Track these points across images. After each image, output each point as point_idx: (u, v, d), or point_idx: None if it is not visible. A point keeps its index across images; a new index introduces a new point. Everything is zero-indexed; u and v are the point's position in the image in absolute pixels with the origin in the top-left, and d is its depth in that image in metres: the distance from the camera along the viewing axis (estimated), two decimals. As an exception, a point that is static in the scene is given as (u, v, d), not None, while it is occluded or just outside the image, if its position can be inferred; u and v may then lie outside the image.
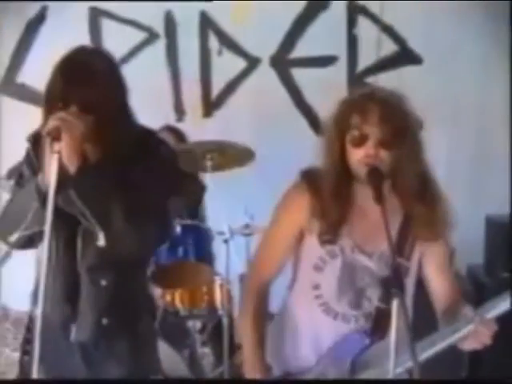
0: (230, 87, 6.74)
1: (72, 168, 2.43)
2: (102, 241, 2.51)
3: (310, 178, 2.72)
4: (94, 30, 6.83)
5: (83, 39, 6.68)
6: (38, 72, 6.56)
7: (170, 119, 6.30)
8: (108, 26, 6.84)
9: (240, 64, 6.73)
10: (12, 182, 5.24)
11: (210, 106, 6.77)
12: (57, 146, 2.39)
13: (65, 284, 2.62)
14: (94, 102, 2.48)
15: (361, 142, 2.60)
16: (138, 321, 2.70)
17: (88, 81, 2.50)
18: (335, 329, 2.71)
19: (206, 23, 6.74)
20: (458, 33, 6.34)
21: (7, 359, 5.87)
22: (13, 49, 6.87)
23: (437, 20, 6.37)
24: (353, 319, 2.71)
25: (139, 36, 6.79)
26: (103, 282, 2.59)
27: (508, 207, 5.14)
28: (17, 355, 5.90)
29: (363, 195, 2.66)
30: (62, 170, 2.40)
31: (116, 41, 6.69)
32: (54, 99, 2.50)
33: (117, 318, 2.63)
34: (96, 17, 6.84)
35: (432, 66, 6.44)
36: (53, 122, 2.41)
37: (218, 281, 4.65)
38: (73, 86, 2.48)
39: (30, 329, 2.80)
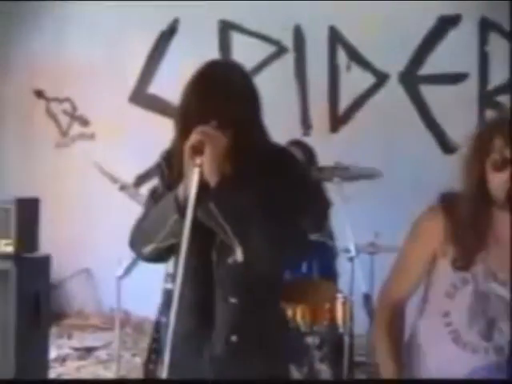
0: (358, 103, 6.70)
1: (213, 181, 2.43)
2: (239, 256, 2.49)
3: (446, 201, 2.65)
4: (224, 42, 6.92)
5: (212, 51, 6.80)
6: (168, 83, 6.86)
7: (297, 133, 6.31)
8: (237, 39, 6.92)
9: (368, 80, 6.69)
10: (138, 190, 5.38)
11: (337, 121, 6.75)
12: (198, 160, 2.39)
13: (197, 298, 2.61)
14: (232, 116, 2.47)
15: (502, 165, 2.52)
16: (268, 339, 2.67)
17: (226, 95, 2.50)
18: (463, 359, 2.63)
19: (335, 38, 6.74)
20: None
21: (127, 363, 5.97)
22: (144, 60, 7.02)
23: None
24: (482, 351, 2.62)
25: (268, 49, 6.83)
26: (232, 300, 2.59)
27: None
28: (136, 360, 6.06)
29: (501, 221, 2.57)
30: (202, 184, 2.40)
31: (245, 54, 6.75)
32: (191, 114, 2.50)
33: (246, 336, 2.61)
34: (226, 29, 6.92)
35: None
36: (196, 136, 2.41)
37: (340, 298, 4.61)
38: (211, 100, 2.48)
39: (155, 339, 2.81)
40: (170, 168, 2.62)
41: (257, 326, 2.61)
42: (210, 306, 2.59)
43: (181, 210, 2.44)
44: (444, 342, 2.65)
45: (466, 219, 2.58)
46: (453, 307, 2.64)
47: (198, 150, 2.40)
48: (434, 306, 2.72)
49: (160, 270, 4.50)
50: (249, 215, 2.45)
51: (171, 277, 4.55)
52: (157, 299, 4.76)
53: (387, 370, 2.68)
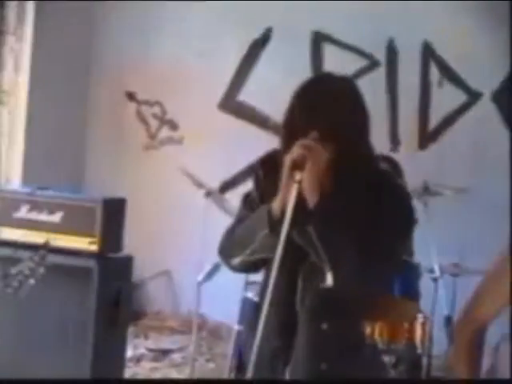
0: (448, 121, 6.60)
1: (311, 199, 2.35)
2: (329, 281, 2.40)
3: None
4: (316, 53, 6.90)
5: (304, 62, 6.80)
6: (258, 91, 6.88)
7: (385, 148, 6.24)
8: (329, 50, 6.89)
9: (460, 97, 6.58)
10: (223, 196, 5.41)
11: (426, 138, 6.66)
12: (298, 176, 2.32)
13: (280, 319, 2.53)
14: (337, 130, 2.40)
15: None
16: (358, 365, 2.60)
17: (333, 107, 2.43)
18: None
19: (429, 54, 6.65)
20: None
21: (201, 368, 5.98)
22: (236, 67, 7.06)
23: None
24: None
25: (360, 62, 6.79)
26: (324, 326, 2.49)
27: None
28: (210, 365, 6.07)
29: None
30: (299, 200, 2.32)
31: (336, 66, 6.72)
32: (295, 125, 2.45)
33: (337, 363, 2.52)
34: (319, 40, 6.91)
35: None
36: (299, 150, 2.33)
37: (420, 319, 4.53)
38: (317, 112, 2.42)
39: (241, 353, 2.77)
40: (266, 177, 2.57)
41: (346, 353, 2.54)
42: (292, 330, 2.52)
43: (273, 225, 2.38)
44: None
45: None
46: None
47: (298, 165, 2.32)
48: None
49: (240, 276, 4.49)
50: (344, 238, 2.36)
51: (251, 285, 4.56)
52: (234, 306, 4.76)
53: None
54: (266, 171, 2.57)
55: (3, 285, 2.68)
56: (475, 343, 2.68)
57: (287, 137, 2.47)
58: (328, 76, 2.65)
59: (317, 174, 2.33)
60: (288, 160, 2.34)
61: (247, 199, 2.63)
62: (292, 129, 2.45)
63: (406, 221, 2.53)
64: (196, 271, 4.95)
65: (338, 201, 2.38)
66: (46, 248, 2.80)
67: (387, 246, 2.42)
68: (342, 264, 2.36)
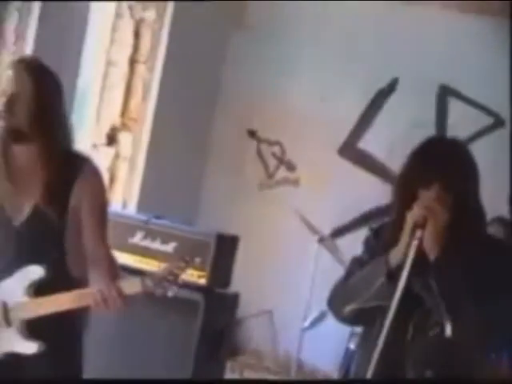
0: None
1: (432, 255, 2.46)
2: (448, 331, 2.47)
3: None
4: (441, 107, 6.85)
5: (429, 115, 6.76)
6: (379, 140, 6.85)
7: (503, 210, 6.11)
8: (455, 105, 6.84)
9: None
10: (336, 244, 5.38)
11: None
12: (419, 233, 2.45)
13: (386, 368, 2.56)
14: (454, 187, 2.52)
15: None
16: None
17: (450, 165, 2.56)
18: None
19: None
20: None
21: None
22: (359, 114, 7.06)
23: None
24: None
25: (485, 120, 6.70)
26: (428, 373, 2.52)
27: None
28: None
29: None
30: (419, 255, 2.45)
31: (461, 121, 6.67)
32: (413, 181, 2.57)
33: None
34: (445, 94, 6.85)
35: None
36: (420, 211, 2.47)
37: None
38: (435, 168, 2.55)
39: None
40: (377, 240, 2.69)
41: None
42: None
43: (390, 274, 2.48)
44: None
45: None
46: None
47: (420, 225, 2.45)
48: None
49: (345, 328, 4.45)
50: (462, 291, 2.44)
51: (355, 336, 4.52)
52: (332, 353, 4.70)
53: None
54: (378, 234, 2.72)
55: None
56: None
57: (405, 191, 2.60)
58: (445, 138, 2.89)
59: (437, 232, 2.46)
60: (410, 220, 2.48)
61: (356, 261, 2.73)
62: (410, 183, 2.58)
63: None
64: (299, 315, 4.94)
65: (456, 256, 2.47)
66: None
67: (503, 303, 2.48)
68: (461, 315, 2.45)
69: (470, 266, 2.45)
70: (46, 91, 2.88)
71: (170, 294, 2.79)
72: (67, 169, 2.90)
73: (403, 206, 2.55)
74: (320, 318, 4.62)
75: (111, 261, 3.01)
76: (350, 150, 7.07)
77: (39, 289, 2.85)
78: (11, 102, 2.83)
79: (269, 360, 7.08)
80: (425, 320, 2.52)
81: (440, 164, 2.55)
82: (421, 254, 2.46)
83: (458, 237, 2.50)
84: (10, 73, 2.90)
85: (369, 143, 7.01)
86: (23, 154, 2.90)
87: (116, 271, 2.98)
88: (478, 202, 2.62)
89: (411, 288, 2.48)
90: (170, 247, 4.57)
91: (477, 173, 2.63)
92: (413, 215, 2.47)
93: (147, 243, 4.63)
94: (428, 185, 2.51)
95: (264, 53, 7.23)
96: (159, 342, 4.57)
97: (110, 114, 6.58)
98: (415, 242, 2.44)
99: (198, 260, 2.99)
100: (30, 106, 2.82)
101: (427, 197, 2.50)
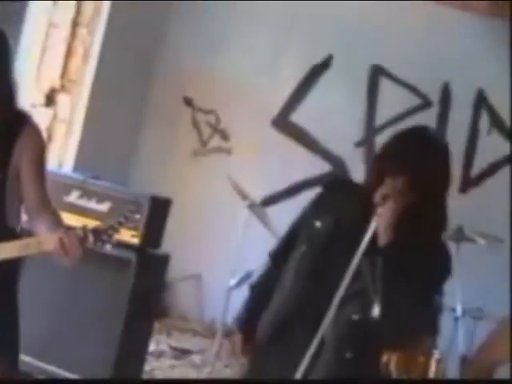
0: (491, 169, 6.69)
1: (383, 239, 2.58)
2: (376, 312, 2.56)
3: None
4: (373, 86, 7.04)
5: (360, 93, 6.94)
6: (311, 115, 7.01)
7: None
8: (385, 84, 7.03)
9: (505, 148, 6.67)
10: (266, 211, 5.50)
11: (468, 183, 6.77)
12: (380, 210, 2.56)
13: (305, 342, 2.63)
14: (425, 179, 2.60)
15: None
16: None
17: (427, 158, 2.63)
18: None
19: (481, 101, 6.75)
20: None
21: (218, 372, 5.98)
22: (292, 88, 7.21)
23: None
24: None
25: (414, 101, 6.92)
26: (348, 355, 2.65)
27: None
28: (227, 371, 6.12)
29: None
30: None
31: (390, 101, 6.87)
32: (385, 166, 2.66)
33: None
34: (376, 74, 7.04)
35: None
36: (383, 191, 2.58)
37: (436, 355, 4.61)
38: (410, 159, 2.61)
39: None
40: (328, 199, 2.78)
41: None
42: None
43: (313, 240, 2.69)
44: None
45: None
46: None
47: (381, 202, 2.58)
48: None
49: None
50: (398, 281, 2.56)
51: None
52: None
53: None
54: (330, 194, 2.81)
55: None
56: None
57: (377, 174, 2.68)
58: (429, 130, 2.85)
59: (395, 214, 2.58)
60: (377, 197, 2.60)
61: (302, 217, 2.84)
62: (383, 166, 2.67)
63: (446, 278, 2.76)
64: (227, 279, 5.04)
65: (403, 247, 2.58)
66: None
67: (428, 296, 2.71)
68: (393, 300, 2.57)
69: (414, 264, 2.55)
70: None
71: (107, 248, 2.83)
72: (9, 125, 2.97)
73: (371, 186, 2.65)
74: (246, 278, 4.74)
75: (56, 210, 3.05)
76: (283, 123, 7.22)
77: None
78: None
79: (195, 323, 7.19)
80: (353, 301, 2.62)
81: (413, 160, 2.60)
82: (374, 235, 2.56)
83: (413, 234, 2.58)
84: None
85: (301, 117, 7.18)
86: None
87: (62, 221, 3.02)
88: (442, 206, 2.71)
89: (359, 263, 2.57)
90: (105, 207, 4.63)
91: (448, 178, 2.73)
92: (381, 189, 2.59)
93: (83, 202, 4.67)
94: (395, 175, 2.58)
95: (204, 23, 7.30)
96: (90, 298, 4.61)
97: (50, 75, 6.61)
98: (375, 218, 2.56)
99: (137, 217, 3.03)
100: None
101: (391, 186, 2.58)
